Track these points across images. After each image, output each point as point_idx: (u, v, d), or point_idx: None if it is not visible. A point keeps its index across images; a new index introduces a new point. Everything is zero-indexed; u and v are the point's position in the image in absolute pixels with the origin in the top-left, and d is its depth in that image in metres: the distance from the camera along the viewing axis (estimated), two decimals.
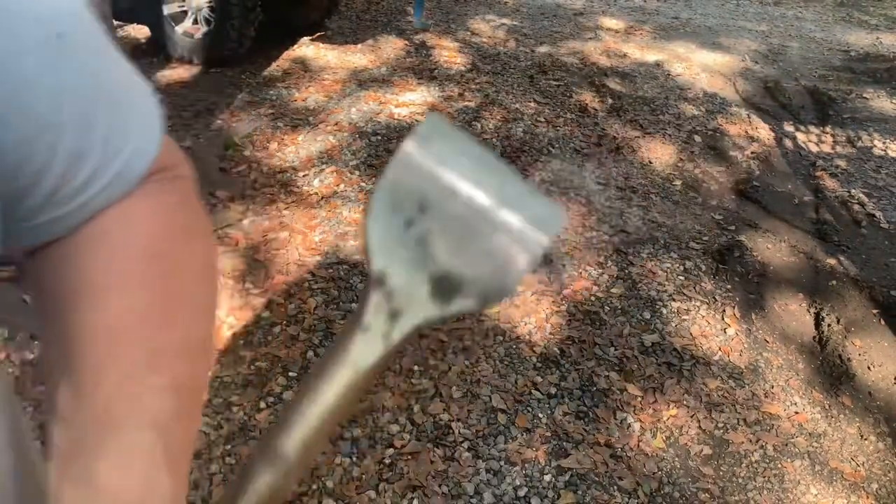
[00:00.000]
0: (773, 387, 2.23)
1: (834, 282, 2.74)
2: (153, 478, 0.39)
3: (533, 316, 2.40)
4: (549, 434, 1.97)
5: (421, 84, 4.17)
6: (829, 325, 2.49)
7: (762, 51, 5.55)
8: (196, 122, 3.45)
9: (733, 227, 3.06)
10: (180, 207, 0.46)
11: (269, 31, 4.29)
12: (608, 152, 3.60)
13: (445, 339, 2.24)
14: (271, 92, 3.87)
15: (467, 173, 0.31)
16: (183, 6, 4.00)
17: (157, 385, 0.40)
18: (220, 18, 3.89)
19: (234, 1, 3.84)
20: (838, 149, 3.94)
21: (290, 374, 2.05)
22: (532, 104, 4.05)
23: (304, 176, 3.08)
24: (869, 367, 2.31)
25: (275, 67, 4.20)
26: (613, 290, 2.57)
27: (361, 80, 4.12)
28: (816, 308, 2.59)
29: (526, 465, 1.87)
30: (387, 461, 1.83)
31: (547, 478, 1.84)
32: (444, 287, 0.32)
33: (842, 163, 3.78)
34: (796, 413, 2.15)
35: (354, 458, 1.82)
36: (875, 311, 2.57)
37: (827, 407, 2.19)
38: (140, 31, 4.40)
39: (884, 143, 4.05)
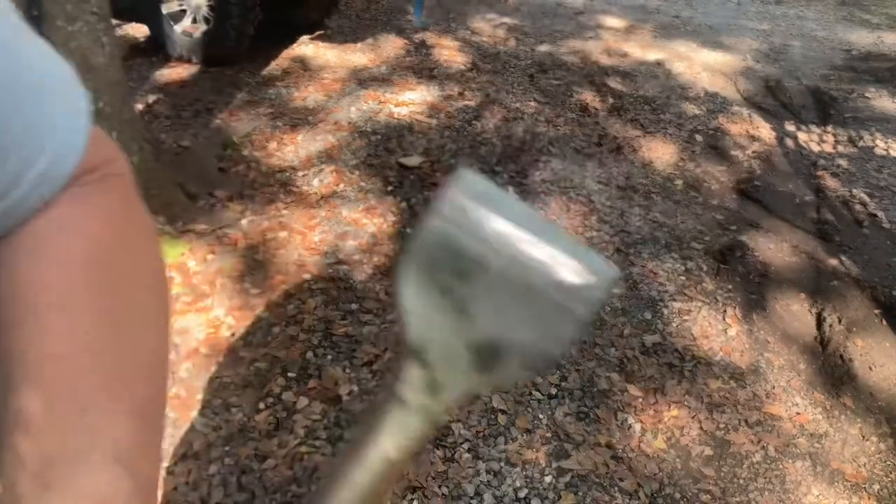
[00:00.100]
0: (774, 387, 2.22)
1: (835, 282, 2.73)
2: None
3: None
4: (549, 435, 1.96)
5: (421, 83, 4.15)
6: (830, 326, 2.48)
7: (764, 50, 5.54)
8: (195, 122, 3.44)
9: (734, 227, 3.05)
10: (120, 210, 0.42)
11: (268, 30, 4.28)
12: (609, 152, 3.59)
13: None
14: (270, 91, 3.86)
15: (506, 234, 0.29)
16: (182, 5, 3.98)
17: (118, 412, 0.36)
18: (220, 17, 3.88)
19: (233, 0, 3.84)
20: (840, 148, 3.93)
21: (290, 374, 2.04)
22: (532, 103, 4.04)
23: (303, 175, 3.07)
24: (871, 368, 2.30)
25: (274, 66, 4.19)
26: (614, 291, 2.56)
27: (361, 79, 4.10)
28: (818, 308, 2.58)
29: (526, 466, 1.86)
30: None
31: (547, 479, 1.83)
32: (484, 355, 0.30)
33: (843, 162, 3.76)
34: (798, 414, 2.14)
35: None
36: (877, 312, 2.56)
37: (828, 407, 2.18)
38: (139, 30, 4.39)
39: (886, 142, 4.03)
